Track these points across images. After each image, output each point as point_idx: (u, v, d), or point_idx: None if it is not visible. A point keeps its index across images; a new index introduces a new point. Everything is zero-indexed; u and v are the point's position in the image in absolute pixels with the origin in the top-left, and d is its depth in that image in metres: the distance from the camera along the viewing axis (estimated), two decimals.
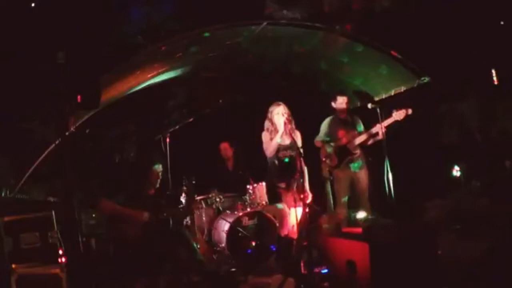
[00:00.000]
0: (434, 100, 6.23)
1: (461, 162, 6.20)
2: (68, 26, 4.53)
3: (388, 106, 5.61)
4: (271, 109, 5.29)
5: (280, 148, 5.25)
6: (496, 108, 5.94)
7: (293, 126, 5.23)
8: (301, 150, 4.90)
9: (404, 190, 5.39)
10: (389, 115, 5.51)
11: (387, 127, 5.44)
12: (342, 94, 5.99)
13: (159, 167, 5.08)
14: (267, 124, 5.32)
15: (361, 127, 5.93)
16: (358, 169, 5.89)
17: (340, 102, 5.94)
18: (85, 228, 5.27)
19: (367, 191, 5.86)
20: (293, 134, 5.11)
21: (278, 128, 5.19)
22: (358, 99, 7.06)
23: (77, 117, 5.48)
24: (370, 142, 5.85)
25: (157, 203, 4.96)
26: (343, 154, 5.89)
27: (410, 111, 5.47)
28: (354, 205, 5.86)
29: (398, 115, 5.47)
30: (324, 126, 6.07)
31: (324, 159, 5.99)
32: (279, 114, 5.18)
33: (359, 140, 5.83)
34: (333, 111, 6.05)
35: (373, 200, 5.82)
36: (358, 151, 5.88)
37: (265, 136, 5.32)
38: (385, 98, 6.82)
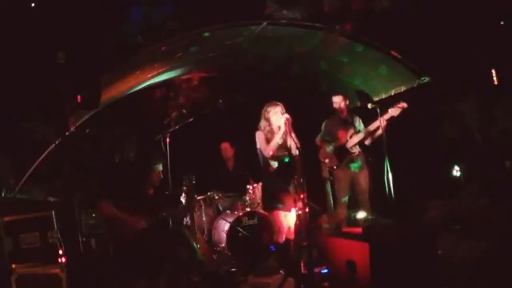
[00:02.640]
0: (434, 100, 6.23)
1: (461, 162, 6.20)
2: (68, 26, 4.52)
3: (388, 106, 5.61)
4: (268, 109, 5.05)
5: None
6: (496, 108, 5.94)
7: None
8: (300, 150, 4.86)
9: (404, 190, 5.39)
10: (385, 111, 5.50)
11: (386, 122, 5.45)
12: (336, 94, 5.99)
13: (159, 167, 5.07)
14: (263, 123, 5.08)
15: (361, 126, 5.92)
16: (358, 169, 5.88)
17: (336, 102, 5.94)
18: (85, 228, 5.28)
19: (367, 191, 5.85)
20: (289, 134, 5.00)
21: (275, 128, 4.99)
22: (358, 99, 7.05)
23: (77, 117, 5.48)
24: (368, 140, 5.84)
25: (156, 203, 4.96)
26: (343, 154, 5.89)
27: (405, 105, 5.45)
28: (354, 205, 5.85)
29: (394, 111, 5.47)
30: (325, 126, 6.09)
31: (323, 159, 5.99)
32: (278, 113, 4.96)
33: (357, 138, 5.82)
34: (334, 111, 6.05)
35: (373, 200, 5.81)
36: (356, 150, 5.88)
37: (259, 135, 5.07)
38: (385, 98, 6.81)
